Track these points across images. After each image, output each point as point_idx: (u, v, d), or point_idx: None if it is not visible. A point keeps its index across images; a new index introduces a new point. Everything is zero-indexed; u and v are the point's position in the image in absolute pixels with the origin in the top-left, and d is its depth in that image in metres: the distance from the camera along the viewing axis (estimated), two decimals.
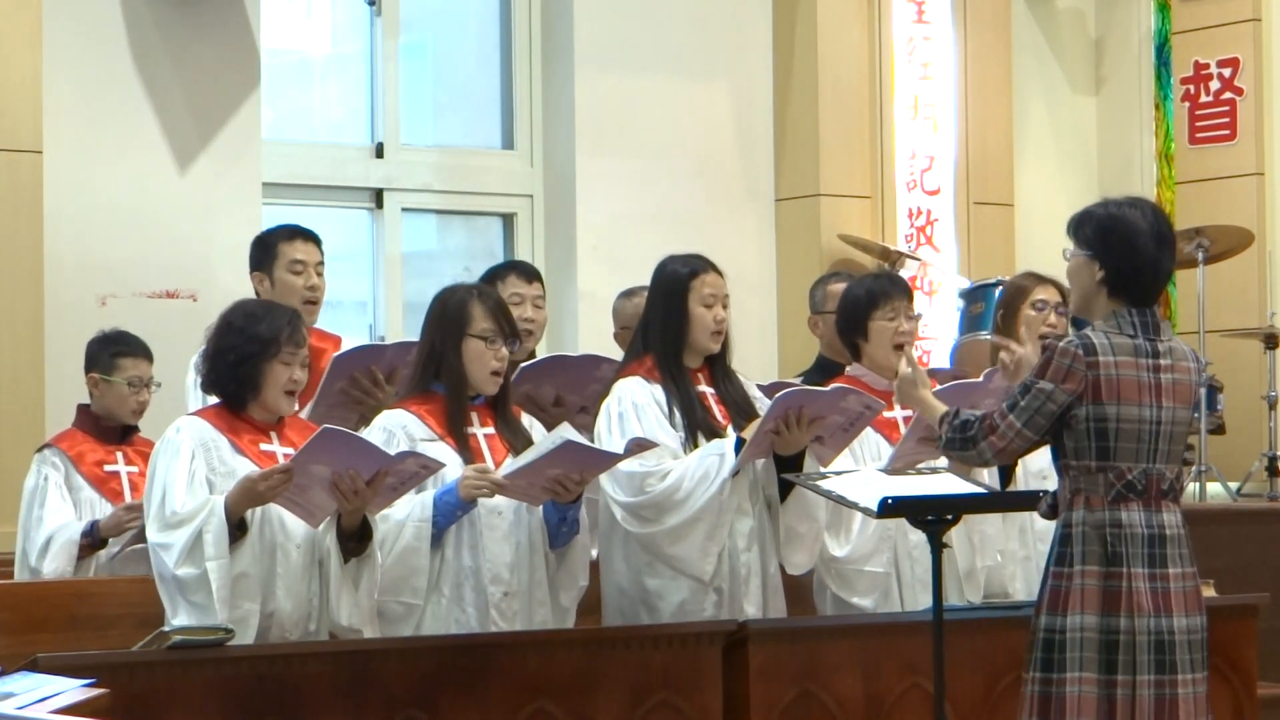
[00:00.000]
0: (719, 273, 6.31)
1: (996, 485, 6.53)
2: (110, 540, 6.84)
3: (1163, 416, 5.16)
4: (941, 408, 5.56)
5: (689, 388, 6.23)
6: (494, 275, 6.91)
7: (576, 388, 6.58)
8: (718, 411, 6.27)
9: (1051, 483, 5.42)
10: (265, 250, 6.81)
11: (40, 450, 7.08)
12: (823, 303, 7.81)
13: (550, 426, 6.10)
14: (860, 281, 6.88)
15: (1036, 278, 6.98)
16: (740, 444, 6.11)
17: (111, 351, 7.05)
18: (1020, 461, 6.54)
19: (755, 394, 6.39)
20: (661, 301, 6.28)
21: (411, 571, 5.73)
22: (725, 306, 6.29)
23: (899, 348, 6.53)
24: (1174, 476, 5.21)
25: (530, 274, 6.99)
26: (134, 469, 7.01)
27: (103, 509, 6.93)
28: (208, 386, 5.72)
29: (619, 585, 6.21)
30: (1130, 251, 5.19)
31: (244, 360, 5.61)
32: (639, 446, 5.91)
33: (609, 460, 5.86)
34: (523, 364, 6.58)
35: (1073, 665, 5.10)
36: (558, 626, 5.90)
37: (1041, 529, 6.50)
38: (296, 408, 5.83)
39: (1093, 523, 5.14)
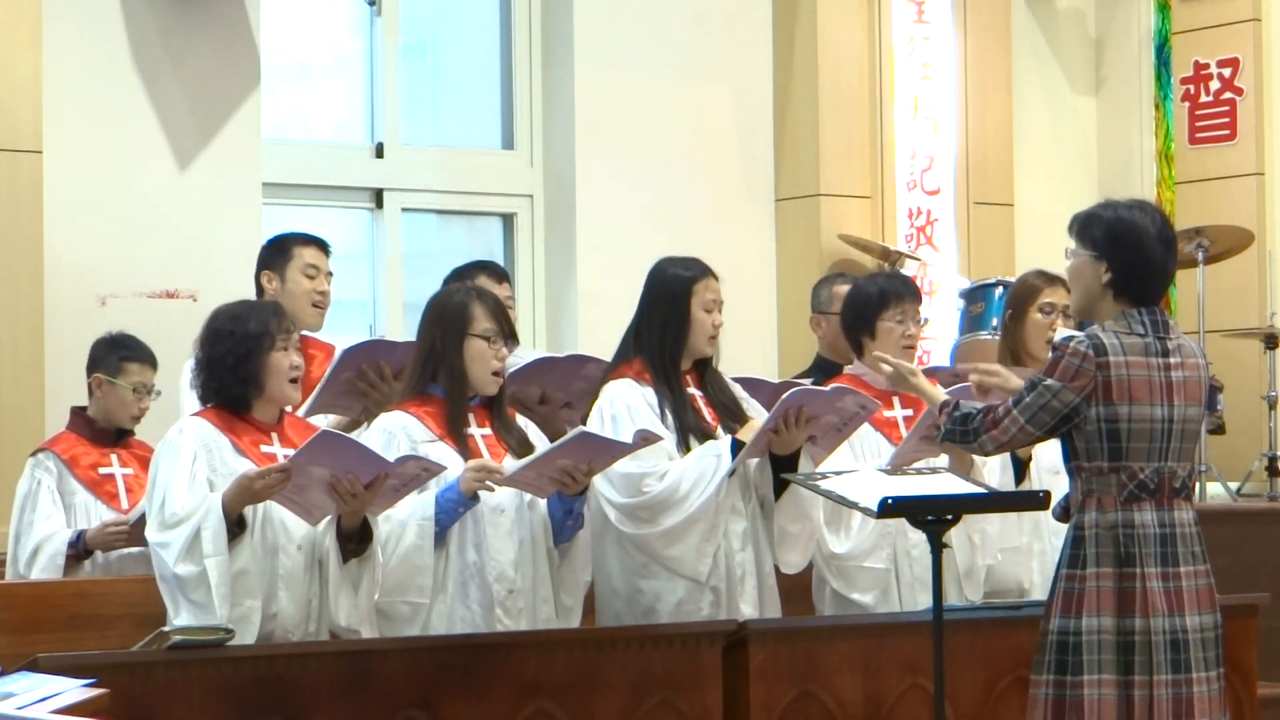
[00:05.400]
0: (716, 277, 6.31)
1: (1011, 482, 6.53)
2: (98, 553, 6.84)
3: (1174, 415, 5.18)
4: (941, 394, 5.58)
5: (681, 390, 6.23)
6: (462, 274, 6.90)
7: (562, 385, 6.59)
8: (706, 413, 6.27)
9: (1064, 479, 5.41)
10: (280, 251, 6.85)
11: (34, 454, 7.03)
12: (828, 303, 7.80)
13: (537, 424, 6.11)
14: (872, 279, 6.88)
15: (1047, 278, 6.96)
16: (735, 444, 6.12)
17: (120, 355, 7.01)
18: (1034, 459, 6.56)
19: (741, 394, 6.40)
20: (662, 305, 6.26)
21: (416, 571, 5.73)
22: (720, 311, 6.29)
23: (908, 347, 6.56)
24: (1186, 474, 5.22)
25: (500, 274, 7.02)
26: (129, 471, 6.99)
27: (98, 511, 6.91)
28: (207, 396, 5.71)
29: (612, 586, 6.21)
30: (1139, 254, 5.21)
31: (244, 360, 5.62)
32: (645, 440, 5.90)
33: (619, 450, 5.86)
34: (511, 370, 6.59)
35: (1091, 668, 5.09)
36: (563, 623, 5.91)
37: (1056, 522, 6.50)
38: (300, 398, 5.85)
39: (1105, 524, 5.14)
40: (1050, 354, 5.25)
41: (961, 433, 5.32)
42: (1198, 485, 9.66)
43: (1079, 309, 5.38)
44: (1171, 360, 5.20)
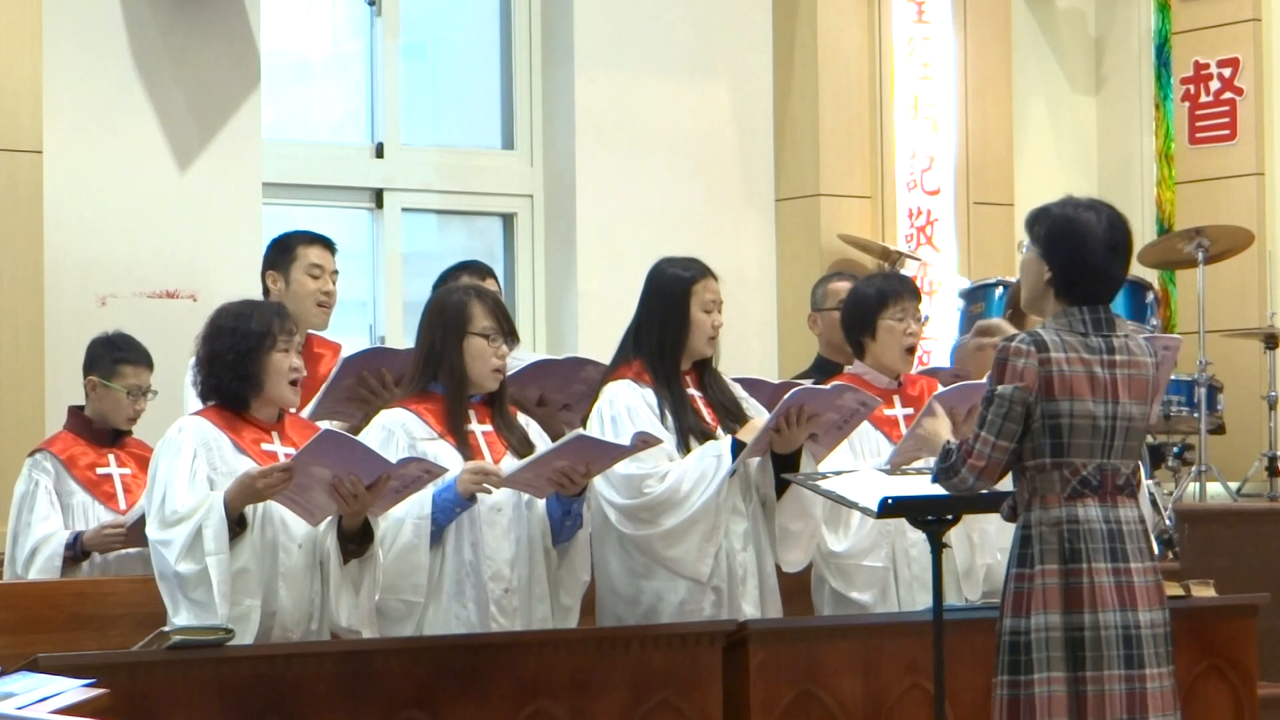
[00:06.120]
0: (715, 277, 6.30)
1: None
2: (95, 554, 6.84)
3: (1117, 412, 5.14)
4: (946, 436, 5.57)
5: (681, 391, 6.23)
6: (449, 277, 6.97)
7: (560, 388, 6.59)
8: (706, 414, 6.27)
9: None
10: (284, 251, 6.84)
11: (32, 454, 7.02)
12: (823, 301, 7.81)
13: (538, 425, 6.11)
14: (870, 280, 6.89)
15: None
16: (736, 444, 6.12)
17: (114, 357, 6.99)
18: None
19: (741, 394, 6.40)
20: (661, 305, 6.25)
21: (412, 569, 5.73)
22: (720, 311, 6.29)
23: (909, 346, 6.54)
24: (1130, 472, 5.19)
25: (483, 271, 7.06)
26: (126, 471, 6.98)
27: (96, 512, 6.90)
28: (207, 393, 5.70)
29: (613, 587, 6.20)
30: (1078, 256, 5.16)
31: (244, 358, 5.62)
32: (643, 442, 5.90)
33: (617, 452, 5.86)
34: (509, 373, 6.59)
35: (1040, 666, 5.09)
36: (559, 624, 5.91)
37: None
38: (299, 401, 5.85)
39: (1049, 521, 5.13)
40: (995, 360, 5.20)
41: (944, 471, 5.26)
42: (1199, 486, 9.68)
43: (1026, 303, 5.37)
44: (1117, 358, 5.15)
